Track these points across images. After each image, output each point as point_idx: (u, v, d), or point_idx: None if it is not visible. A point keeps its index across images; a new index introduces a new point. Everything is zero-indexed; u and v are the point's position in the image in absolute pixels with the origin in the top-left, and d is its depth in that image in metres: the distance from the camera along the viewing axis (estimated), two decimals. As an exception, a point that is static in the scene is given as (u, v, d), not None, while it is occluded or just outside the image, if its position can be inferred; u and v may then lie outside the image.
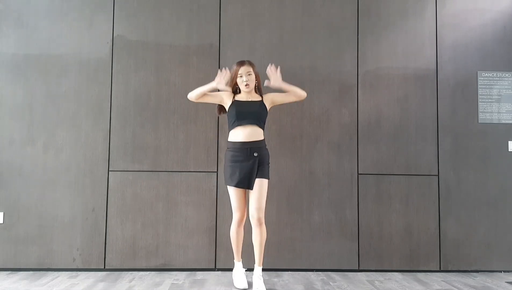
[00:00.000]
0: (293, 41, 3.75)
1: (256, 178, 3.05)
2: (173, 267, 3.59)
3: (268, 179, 3.11)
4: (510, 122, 3.79)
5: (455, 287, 3.25)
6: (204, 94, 3.13)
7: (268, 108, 3.17)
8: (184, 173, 3.64)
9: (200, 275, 3.48)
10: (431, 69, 3.79)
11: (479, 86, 3.80)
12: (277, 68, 3.12)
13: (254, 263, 3.11)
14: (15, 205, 3.57)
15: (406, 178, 3.72)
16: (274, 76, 3.11)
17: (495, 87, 3.81)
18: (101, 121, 3.65)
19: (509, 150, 3.76)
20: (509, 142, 3.76)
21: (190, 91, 3.15)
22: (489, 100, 3.80)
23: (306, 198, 3.67)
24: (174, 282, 3.28)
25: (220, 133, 3.66)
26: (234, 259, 3.26)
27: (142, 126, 3.66)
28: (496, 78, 3.81)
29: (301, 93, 3.15)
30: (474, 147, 3.76)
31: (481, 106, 3.79)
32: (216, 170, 3.65)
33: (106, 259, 3.57)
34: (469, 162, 3.75)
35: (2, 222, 3.55)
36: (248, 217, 3.11)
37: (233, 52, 3.71)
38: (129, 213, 3.60)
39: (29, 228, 3.56)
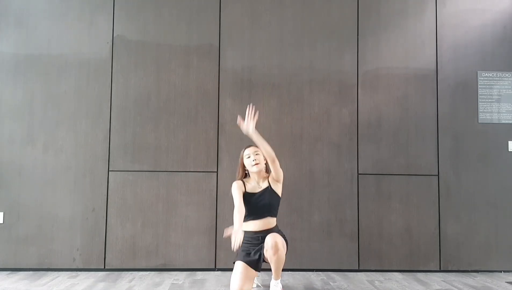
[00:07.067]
0: (293, 41, 3.75)
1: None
2: (173, 267, 3.59)
3: (284, 238, 2.93)
4: (510, 122, 3.79)
5: (455, 287, 3.25)
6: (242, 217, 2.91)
7: (275, 188, 3.03)
8: (184, 173, 3.64)
9: (200, 275, 3.48)
10: (431, 69, 3.79)
11: (479, 86, 3.80)
12: (255, 115, 2.94)
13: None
14: (15, 205, 3.57)
15: (406, 178, 3.72)
16: (250, 123, 2.93)
17: (495, 87, 3.81)
18: (101, 121, 3.65)
19: (509, 150, 3.76)
20: (509, 142, 3.76)
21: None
22: (489, 100, 3.80)
23: (306, 198, 3.67)
24: (174, 282, 3.28)
25: (220, 133, 3.66)
26: None
27: (142, 126, 3.65)
28: (496, 78, 3.81)
29: (270, 151, 2.94)
30: (474, 147, 3.75)
31: (481, 106, 3.79)
32: (216, 170, 3.65)
33: (106, 259, 3.57)
34: (469, 162, 3.74)
35: (2, 222, 3.55)
36: None
37: (233, 52, 3.71)
38: (129, 213, 3.60)
39: (29, 228, 3.56)
